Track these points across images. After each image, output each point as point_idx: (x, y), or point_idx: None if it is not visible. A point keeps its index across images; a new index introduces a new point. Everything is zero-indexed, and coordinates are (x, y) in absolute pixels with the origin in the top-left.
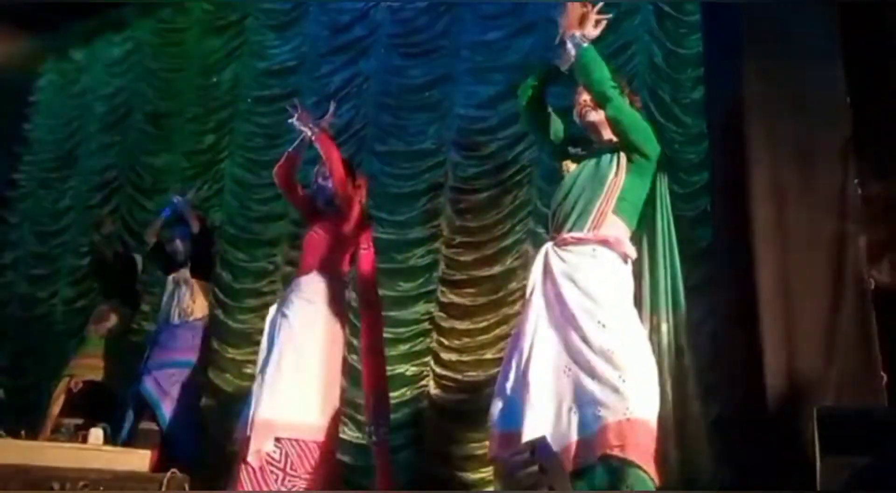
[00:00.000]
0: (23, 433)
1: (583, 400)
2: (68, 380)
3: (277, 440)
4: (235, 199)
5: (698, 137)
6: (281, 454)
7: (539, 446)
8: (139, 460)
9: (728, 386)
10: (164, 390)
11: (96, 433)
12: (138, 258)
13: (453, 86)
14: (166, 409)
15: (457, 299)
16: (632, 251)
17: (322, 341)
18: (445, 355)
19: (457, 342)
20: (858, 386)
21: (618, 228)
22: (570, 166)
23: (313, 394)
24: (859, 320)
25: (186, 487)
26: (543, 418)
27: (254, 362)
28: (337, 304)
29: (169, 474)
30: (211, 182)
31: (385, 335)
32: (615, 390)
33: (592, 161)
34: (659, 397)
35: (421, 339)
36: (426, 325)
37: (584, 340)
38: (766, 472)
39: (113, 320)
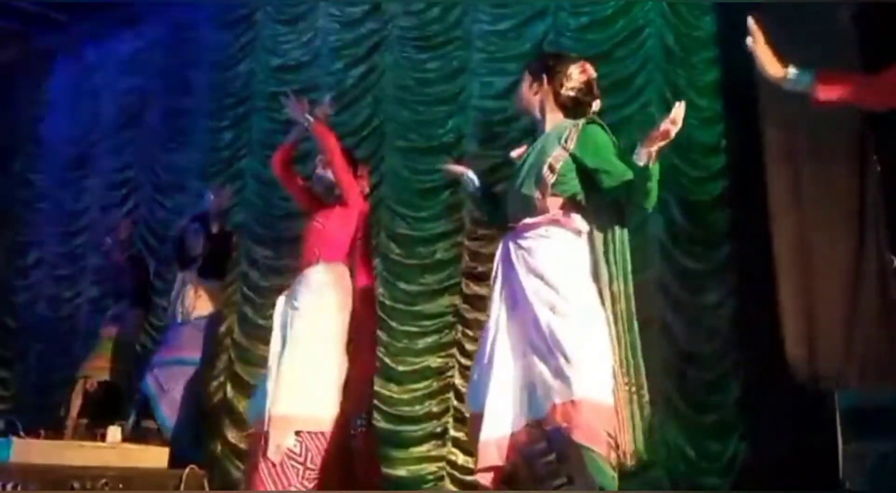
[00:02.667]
0: (42, 432)
1: (535, 383)
2: (84, 381)
3: (297, 433)
4: (258, 197)
5: (713, 119)
6: (301, 447)
7: (555, 435)
8: (157, 456)
9: (749, 367)
10: (164, 387)
11: (114, 432)
12: (150, 261)
13: (469, 78)
14: (164, 406)
15: (481, 291)
16: (582, 225)
17: (335, 331)
18: (471, 347)
19: (481, 334)
20: (880, 365)
21: (563, 205)
22: (516, 153)
23: (329, 386)
24: (880, 299)
25: (205, 483)
26: (502, 400)
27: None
28: (347, 294)
29: (187, 470)
30: (231, 180)
31: (411, 329)
32: (561, 372)
33: (535, 150)
34: (613, 374)
35: (446, 331)
36: (451, 318)
37: (536, 324)
38: (788, 453)
39: (125, 321)
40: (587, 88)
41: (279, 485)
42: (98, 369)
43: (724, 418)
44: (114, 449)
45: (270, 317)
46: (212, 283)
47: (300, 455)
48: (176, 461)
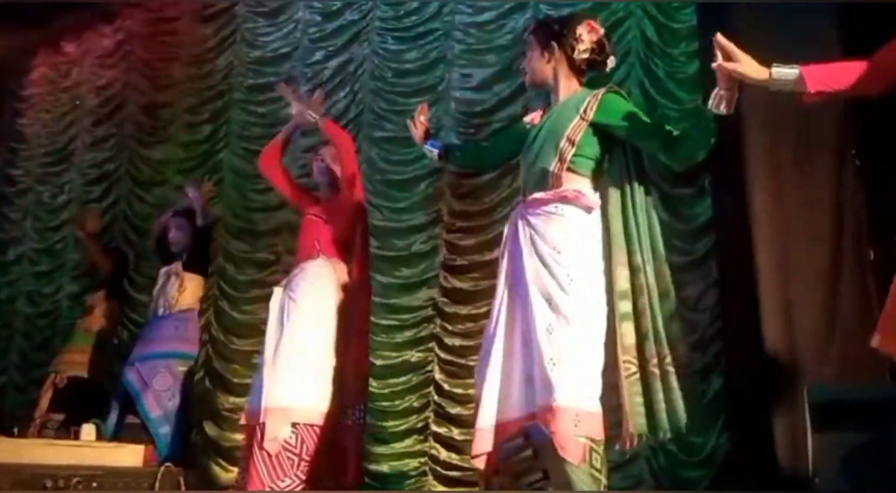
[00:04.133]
0: (15, 430)
1: (527, 379)
2: (53, 376)
3: (294, 425)
4: (235, 189)
5: (693, 111)
6: (297, 439)
7: (532, 431)
8: (132, 455)
9: (729, 359)
10: (146, 381)
11: (88, 429)
12: (129, 253)
13: (448, 69)
14: (147, 402)
15: (459, 284)
16: (594, 201)
17: (332, 326)
18: (449, 341)
19: (460, 327)
20: (859, 359)
21: (577, 182)
22: (529, 117)
23: (325, 378)
24: (859, 292)
25: (181, 481)
26: (499, 387)
27: (260, 353)
28: (345, 288)
29: (163, 468)
30: (210, 173)
31: (389, 323)
32: (546, 374)
33: (550, 121)
34: (601, 380)
35: (425, 325)
36: (429, 311)
37: (532, 316)
38: (769, 447)
39: (100, 314)
40: (600, 47)
41: (274, 476)
42: (71, 363)
43: (706, 410)
44: (87, 447)
45: (247, 311)
46: (196, 277)
47: (296, 447)
48: (160, 457)
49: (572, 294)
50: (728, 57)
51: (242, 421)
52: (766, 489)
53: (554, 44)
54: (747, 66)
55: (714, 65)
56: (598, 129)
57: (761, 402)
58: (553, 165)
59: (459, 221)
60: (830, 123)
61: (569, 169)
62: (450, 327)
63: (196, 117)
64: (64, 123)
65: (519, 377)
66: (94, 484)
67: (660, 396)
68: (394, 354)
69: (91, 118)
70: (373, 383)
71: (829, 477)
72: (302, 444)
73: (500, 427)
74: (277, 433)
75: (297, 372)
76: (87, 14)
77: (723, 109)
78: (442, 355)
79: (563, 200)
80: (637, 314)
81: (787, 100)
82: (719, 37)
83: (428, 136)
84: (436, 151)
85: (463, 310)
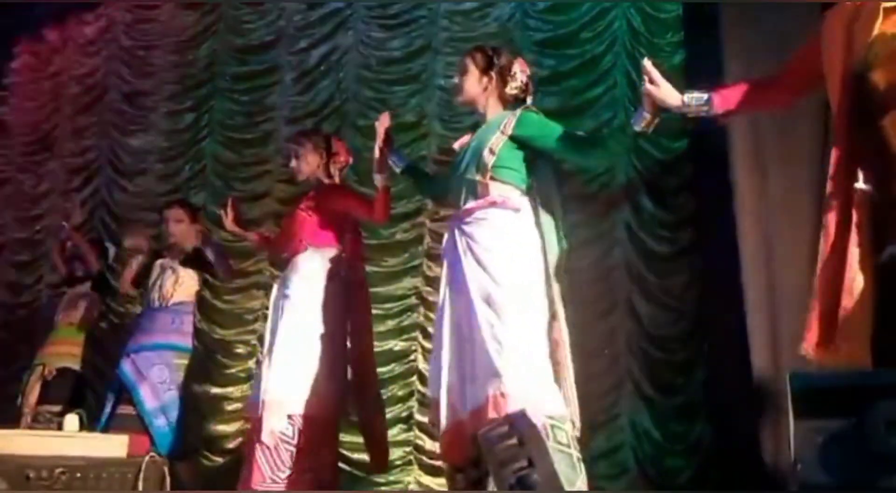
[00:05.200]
0: None
1: (475, 373)
2: (42, 369)
3: (290, 417)
4: (218, 178)
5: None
6: (293, 430)
7: (516, 419)
8: (116, 445)
9: (713, 348)
10: (142, 373)
11: (71, 420)
12: (109, 245)
13: (433, 57)
14: (144, 393)
15: None
16: (521, 203)
17: (326, 317)
18: (433, 330)
19: None
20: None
21: (501, 189)
22: (458, 144)
23: (322, 370)
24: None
25: (165, 471)
26: (447, 388)
27: (243, 343)
28: (337, 280)
29: (147, 458)
30: (192, 162)
31: (373, 312)
32: (491, 363)
33: (477, 138)
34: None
35: (408, 314)
36: (413, 300)
37: (473, 314)
38: (753, 436)
39: (83, 307)
40: (527, 86)
41: (274, 468)
42: (56, 355)
43: (690, 400)
44: (71, 438)
45: (230, 301)
46: (191, 271)
47: (293, 438)
48: (157, 448)
49: (507, 287)
50: (652, 80)
51: (244, 413)
52: (750, 476)
53: (493, 74)
54: (664, 91)
55: (642, 89)
56: (518, 142)
57: (744, 391)
58: (478, 176)
59: (443, 210)
60: (815, 116)
61: (493, 178)
62: (433, 316)
63: (179, 106)
64: (45, 111)
65: (468, 376)
66: (78, 475)
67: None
68: (377, 343)
69: (72, 107)
70: None
71: (811, 464)
72: (300, 435)
73: (455, 425)
74: (274, 425)
75: (290, 364)
76: (69, 1)
77: (641, 128)
78: (426, 344)
79: (492, 205)
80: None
81: None
82: (646, 62)
83: (390, 145)
84: (400, 166)
85: None
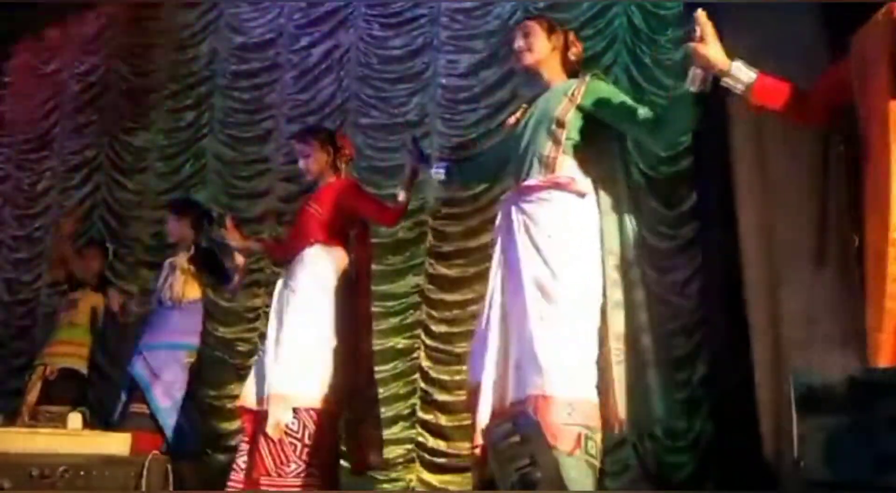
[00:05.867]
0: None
1: (519, 366)
2: (43, 368)
3: (295, 411)
4: (219, 177)
5: (680, 97)
6: (299, 424)
7: (520, 417)
8: (119, 443)
9: (714, 344)
10: (155, 372)
11: (74, 418)
12: (109, 246)
13: (434, 55)
14: (157, 392)
15: (445, 271)
16: (587, 187)
17: (331, 311)
18: (436, 328)
19: (447, 314)
20: (844, 345)
21: (569, 168)
22: (513, 118)
23: (326, 364)
24: (843, 278)
25: (169, 469)
26: (495, 375)
27: (245, 341)
28: (343, 277)
29: (150, 456)
30: (193, 160)
31: (375, 310)
32: (538, 363)
33: (539, 108)
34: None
35: (411, 312)
36: (416, 298)
37: (525, 305)
38: (753, 432)
39: (85, 307)
40: (580, 60)
41: (278, 461)
42: (58, 355)
43: (691, 396)
44: (74, 436)
45: (231, 299)
46: (201, 270)
47: (298, 432)
48: (171, 447)
49: (565, 281)
50: (702, 36)
51: (241, 403)
52: (750, 473)
53: (560, 35)
54: (713, 50)
55: (686, 44)
56: (585, 113)
57: (746, 387)
58: (548, 149)
59: (446, 208)
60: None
61: (564, 152)
62: (436, 314)
63: (179, 103)
64: (45, 109)
65: (513, 365)
66: (81, 473)
67: (642, 385)
68: (380, 341)
69: (72, 104)
70: None
71: (813, 462)
72: (304, 429)
73: (494, 415)
74: (279, 418)
75: (296, 358)
76: (69, 0)
77: (696, 87)
78: (428, 341)
79: (557, 186)
80: (628, 304)
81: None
82: (700, 13)
83: (427, 160)
84: (443, 173)
85: (449, 297)
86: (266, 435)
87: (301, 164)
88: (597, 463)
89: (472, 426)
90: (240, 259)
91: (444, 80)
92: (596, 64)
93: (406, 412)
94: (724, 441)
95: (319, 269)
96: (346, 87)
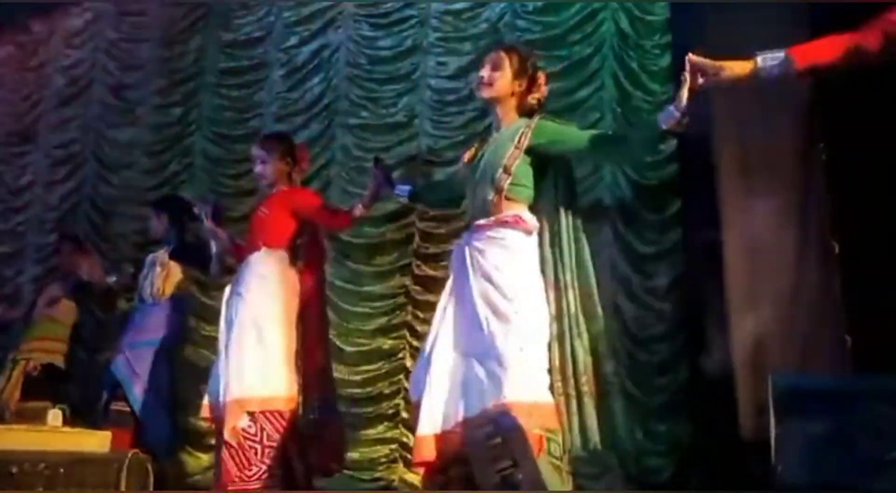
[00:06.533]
0: None
1: (471, 383)
2: (24, 363)
3: (250, 414)
4: (206, 174)
5: (665, 104)
6: (256, 427)
7: (501, 419)
8: (100, 441)
9: (696, 349)
10: (135, 370)
11: (55, 415)
12: (86, 242)
13: (423, 56)
14: (136, 389)
15: (432, 273)
16: (533, 224)
17: (280, 313)
18: (421, 328)
19: (433, 315)
20: (823, 350)
21: (516, 208)
22: (468, 155)
23: (278, 366)
24: (824, 285)
25: (149, 467)
26: (437, 396)
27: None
28: (290, 277)
29: (130, 454)
30: (180, 157)
31: (361, 310)
32: (494, 374)
33: (489, 151)
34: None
35: (397, 313)
36: (402, 299)
37: (478, 325)
38: (734, 436)
39: (63, 303)
40: (544, 100)
41: (242, 466)
42: (40, 351)
43: (672, 400)
44: (54, 433)
45: (216, 297)
46: (180, 265)
47: (255, 435)
48: (149, 443)
49: (515, 301)
50: (704, 72)
51: (205, 414)
52: (731, 476)
53: (525, 79)
54: (731, 66)
55: (694, 83)
56: (534, 155)
57: (726, 391)
58: (492, 194)
59: (433, 210)
60: (798, 118)
61: (507, 198)
62: (422, 315)
63: (166, 100)
64: (29, 102)
65: (460, 385)
66: (61, 470)
67: (575, 417)
68: (365, 341)
69: (57, 98)
70: (344, 370)
71: (791, 465)
72: (262, 431)
73: (441, 436)
74: (234, 423)
75: (246, 362)
76: None
77: (670, 126)
78: (414, 342)
79: (504, 225)
80: (560, 336)
81: (756, 95)
82: (691, 57)
83: (390, 181)
84: (405, 195)
85: (435, 298)
86: (226, 442)
87: (257, 168)
88: (561, 465)
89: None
90: (216, 247)
91: (432, 82)
92: (583, 69)
93: (390, 411)
94: (705, 444)
95: (266, 272)
96: (334, 86)
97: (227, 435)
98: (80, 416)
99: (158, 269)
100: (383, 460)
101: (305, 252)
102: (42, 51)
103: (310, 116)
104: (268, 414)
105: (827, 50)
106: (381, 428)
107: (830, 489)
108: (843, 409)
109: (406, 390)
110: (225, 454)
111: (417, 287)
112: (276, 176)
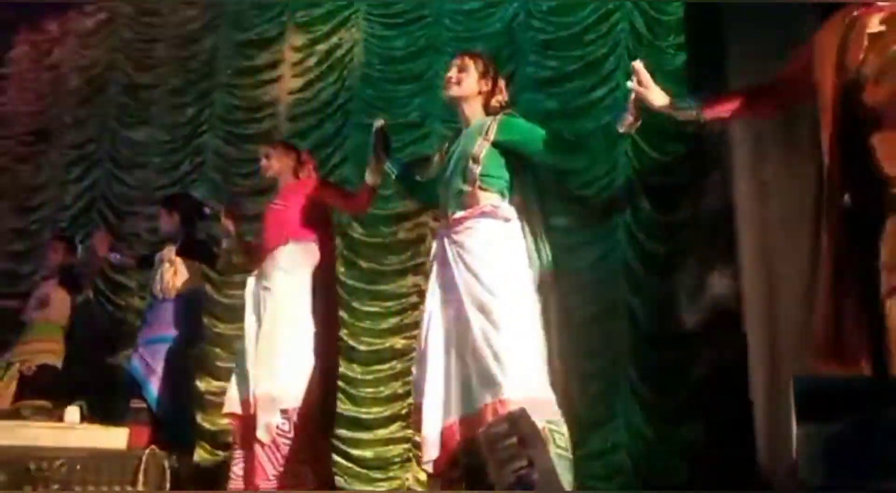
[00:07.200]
0: None
1: (467, 381)
2: (19, 365)
3: (283, 411)
4: (218, 173)
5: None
6: (290, 424)
7: (517, 418)
8: (117, 437)
9: (710, 349)
10: (151, 367)
11: (72, 411)
12: (78, 245)
13: (436, 56)
14: (153, 386)
15: None
16: (510, 213)
17: (308, 310)
18: (420, 335)
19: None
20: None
21: (491, 198)
22: (437, 156)
23: (310, 363)
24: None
25: (166, 464)
26: (438, 395)
27: (244, 338)
28: (315, 273)
29: (148, 450)
30: (192, 156)
31: (374, 309)
32: (489, 372)
33: (460, 146)
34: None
35: (409, 312)
36: (414, 298)
37: (466, 322)
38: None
39: (55, 301)
40: (506, 104)
41: (276, 463)
42: (35, 352)
43: (685, 401)
44: (72, 430)
45: (230, 296)
46: (190, 262)
47: (289, 432)
48: (167, 440)
49: (502, 296)
50: (642, 82)
51: (228, 410)
52: (743, 478)
53: (490, 80)
54: (653, 93)
55: (630, 87)
56: (501, 148)
57: (739, 393)
58: (465, 186)
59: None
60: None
61: (480, 187)
62: None
63: (179, 99)
64: (44, 102)
65: (456, 383)
66: (78, 467)
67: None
68: (378, 340)
69: (72, 98)
70: (357, 369)
71: (812, 467)
72: (296, 428)
73: (444, 432)
74: (269, 420)
75: (279, 358)
76: None
77: (624, 129)
78: None
79: (482, 215)
80: (547, 328)
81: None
82: (636, 63)
83: (388, 151)
84: (395, 171)
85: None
86: (258, 440)
87: (262, 162)
88: (568, 455)
89: (420, 443)
90: (227, 244)
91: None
92: (598, 69)
93: (403, 411)
94: (717, 446)
95: (293, 266)
96: (347, 86)
97: (259, 433)
98: (97, 413)
99: (166, 265)
100: (396, 459)
101: (320, 246)
102: (57, 50)
103: (323, 115)
104: (301, 412)
105: (729, 105)
106: (393, 428)
107: (852, 490)
108: (865, 411)
109: None
110: (257, 450)
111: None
112: (280, 168)
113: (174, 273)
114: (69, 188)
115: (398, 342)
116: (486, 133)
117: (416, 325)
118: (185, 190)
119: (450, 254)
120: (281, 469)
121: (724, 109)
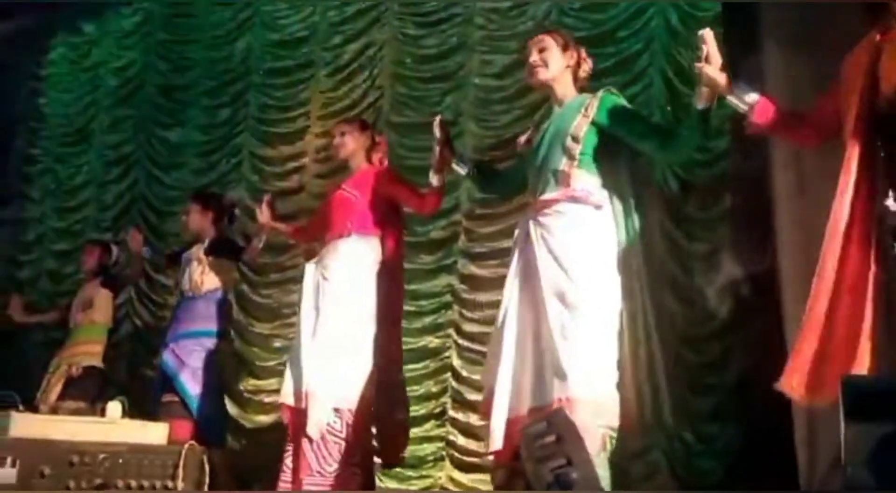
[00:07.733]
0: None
1: (540, 371)
2: (67, 368)
3: (337, 410)
4: (254, 173)
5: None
6: (342, 423)
7: (555, 416)
8: (157, 432)
9: (747, 349)
10: (182, 361)
11: (114, 407)
12: (113, 247)
13: (468, 54)
14: (185, 379)
15: (478, 271)
16: (602, 199)
17: (368, 307)
18: (468, 327)
19: (478, 314)
20: (883, 353)
21: (585, 181)
22: (524, 137)
23: (366, 362)
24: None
25: (204, 459)
26: (510, 384)
27: (280, 336)
28: (376, 269)
29: (187, 445)
30: (229, 157)
31: (408, 308)
32: (561, 367)
33: (554, 124)
34: (619, 366)
35: (443, 311)
36: (448, 297)
37: (546, 313)
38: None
39: (97, 301)
40: (589, 77)
41: (322, 461)
42: (82, 355)
43: (722, 401)
44: (113, 424)
45: (266, 295)
46: (218, 260)
47: (341, 431)
48: (201, 434)
49: (584, 289)
50: (707, 56)
51: (282, 400)
52: (781, 478)
53: (573, 51)
54: (715, 70)
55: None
56: (599, 128)
57: (777, 392)
58: (562, 164)
59: (479, 208)
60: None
61: (577, 167)
62: (468, 314)
63: (215, 100)
64: (83, 103)
65: (530, 372)
66: (120, 461)
67: (649, 394)
68: (412, 339)
69: (110, 99)
70: None
71: (860, 467)
72: (347, 428)
73: (512, 422)
74: (321, 417)
75: (336, 356)
76: None
77: (702, 104)
78: (460, 341)
79: (573, 199)
80: (631, 326)
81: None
82: (706, 32)
83: (452, 149)
84: (464, 170)
85: (481, 297)
86: (307, 435)
87: (336, 140)
88: (618, 463)
89: (487, 429)
90: (258, 243)
91: (477, 80)
92: (632, 66)
93: (437, 410)
94: (755, 446)
95: (355, 260)
96: (379, 85)
97: (309, 427)
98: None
99: (195, 263)
100: (430, 458)
101: (389, 240)
102: (95, 52)
103: (355, 114)
104: (354, 411)
105: (779, 119)
106: (427, 426)
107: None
108: None
109: (453, 388)
110: (304, 445)
111: (464, 286)
112: (354, 149)
113: (202, 272)
114: (110, 188)
115: (432, 342)
116: (586, 110)
117: (450, 324)
118: (222, 190)
119: (533, 236)
120: (328, 468)
121: (773, 124)
